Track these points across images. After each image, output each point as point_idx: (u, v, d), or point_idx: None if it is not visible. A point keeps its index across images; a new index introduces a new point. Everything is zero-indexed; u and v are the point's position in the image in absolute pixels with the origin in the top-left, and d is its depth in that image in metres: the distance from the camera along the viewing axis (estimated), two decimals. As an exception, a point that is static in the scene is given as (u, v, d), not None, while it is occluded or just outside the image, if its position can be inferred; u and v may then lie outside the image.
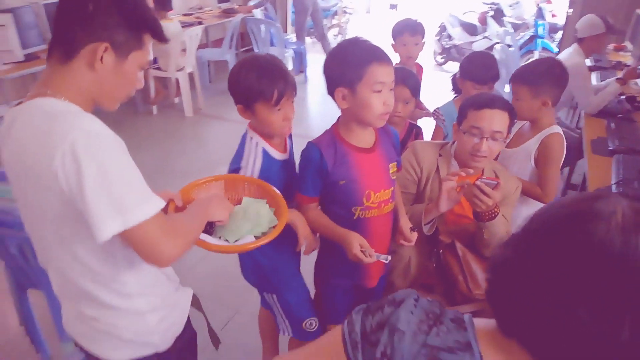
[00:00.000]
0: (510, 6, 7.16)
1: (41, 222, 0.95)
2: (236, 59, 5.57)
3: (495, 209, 1.47)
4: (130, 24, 0.93)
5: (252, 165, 1.38)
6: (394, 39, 2.48)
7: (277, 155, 1.45)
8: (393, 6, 12.50)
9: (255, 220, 1.23)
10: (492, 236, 1.53)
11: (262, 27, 5.48)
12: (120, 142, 0.90)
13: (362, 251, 1.34)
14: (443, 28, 7.25)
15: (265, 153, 1.42)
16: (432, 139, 2.25)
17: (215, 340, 1.34)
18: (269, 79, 1.31)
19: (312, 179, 1.42)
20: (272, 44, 5.61)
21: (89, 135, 0.84)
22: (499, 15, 6.71)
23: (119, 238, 0.88)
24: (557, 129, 1.85)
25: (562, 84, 1.87)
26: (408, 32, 2.43)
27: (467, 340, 0.64)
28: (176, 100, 5.13)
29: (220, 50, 5.55)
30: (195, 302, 1.23)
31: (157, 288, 1.08)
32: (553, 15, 7.25)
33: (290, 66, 6.22)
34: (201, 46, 5.16)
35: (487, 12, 6.82)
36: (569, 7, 4.72)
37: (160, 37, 0.99)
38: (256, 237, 1.20)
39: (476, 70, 2.11)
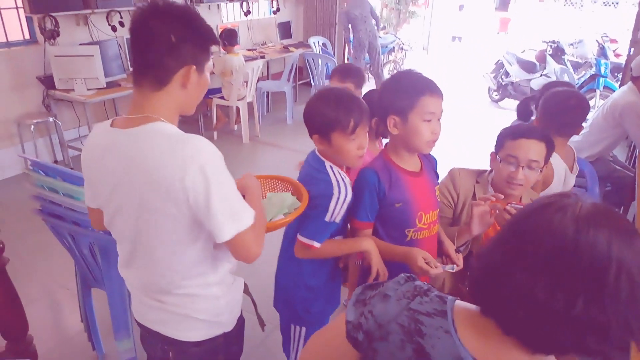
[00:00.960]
0: (572, 44, 7.03)
1: (149, 226, 1.07)
2: (293, 91, 5.87)
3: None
4: (202, 43, 1.08)
5: (344, 193, 1.41)
6: None
7: (347, 180, 1.49)
8: (461, 6, 13.07)
9: (280, 204, 1.42)
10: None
11: (320, 61, 5.75)
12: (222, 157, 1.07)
13: (426, 263, 1.38)
14: (500, 65, 7.22)
15: (347, 179, 1.46)
16: None
17: (261, 322, 1.48)
18: (345, 109, 1.37)
19: (370, 203, 1.45)
20: (327, 77, 5.86)
21: (213, 158, 1.03)
22: (558, 53, 6.60)
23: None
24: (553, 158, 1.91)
25: (578, 117, 1.96)
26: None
27: (444, 309, 0.75)
28: (235, 127, 5.46)
29: (279, 82, 5.87)
30: (246, 289, 1.40)
31: (227, 277, 1.25)
32: (617, 55, 7.03)
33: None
34: (261, 78, 5.48)
35: (545, 50, 6.73)
36: (630, 47, 4.60)
37: (217, 42, 1.16)
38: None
39: None
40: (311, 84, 6.05)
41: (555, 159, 1.94)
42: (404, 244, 1.49)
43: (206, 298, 1.19)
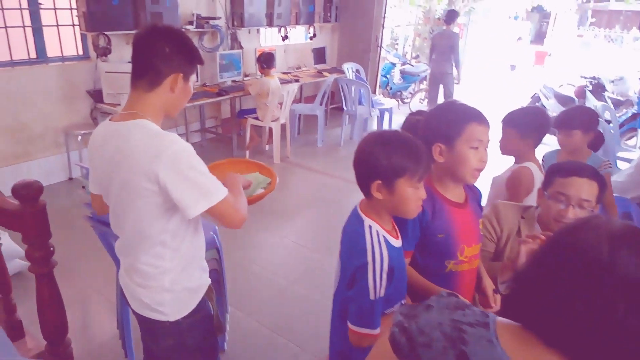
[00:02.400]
0: (612, 82, 6.92)
1: (126, 203, 1.28)
2: (325, 115, 5.95)
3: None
4: (190, 59, 1.32)
5: (379, 260, 1.26)
6: None
7: (394, 242, 1.34)
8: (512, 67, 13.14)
9: (255, 182, 1.68)
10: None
11: (353, 87, 5.83)
12: (194, 151, 1.26)
13: None
14: (536, 98, 7.16)
15: (387, 242, 1.31)
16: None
17: (220, 326, 1.57)
18: (416, 155, 1.27)
19: (412, 231, 1.42)
20: (359, 103, 5.93)
21: (184, 148, 1.23)
22: (598, 89, 6.51)
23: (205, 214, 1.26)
24: (530, 165, 2.06)
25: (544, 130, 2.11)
26: None
27: (486, 321, 0.79)
28: (267, 147, 5.56)
29: (312, 105, 5.97)
30: (209, 294, 1.49)
31: (182, 275, 1.38)
32: (659, 93, 6.87)
33: (375, 124, 6.49)
34: (294, 101, 5.59)
35: (585, 86, 6.65)
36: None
37: (201, 62, 1.38)
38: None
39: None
40: (343, 109, 6.14)
41: (535, 170, 2.06)
42: (442, 275, 1.47)
43: (153, 284, 1.34)
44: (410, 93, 8.85)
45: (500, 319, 0.81)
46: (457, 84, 6.71)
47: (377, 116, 6.14)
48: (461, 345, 0.77)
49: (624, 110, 6.25)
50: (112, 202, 1.35)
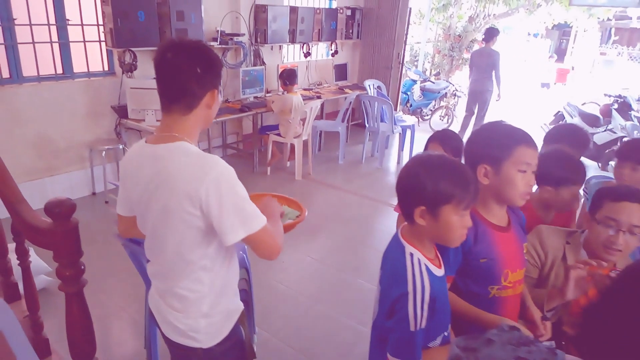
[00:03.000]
0: (638, 100, 6.77)
1: (166, 226, 1.23)
2: (347, 131, 5.93)
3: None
4: (218, 70, 1.28)
5: (420, 289, 1.20)
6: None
7: (436, 271, 1.28)
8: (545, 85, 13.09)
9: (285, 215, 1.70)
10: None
11: (376, 104, 5.80)
12: (235, 175, 1.23)
13: None
14: (560, 117, 7.03)
15: (429, 271, 1.25)
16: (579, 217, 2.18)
17: (252, 353, 1.49)
18: (464, 181, 1.22)
19: (454, 256, 1.38)
20: (381, 120, 5.89)
21: (227, 171, 1.19)
22: (625, 108, 6.36)
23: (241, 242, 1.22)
24: None
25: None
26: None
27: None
28: (288, 164, 5.53)
29: (333, 122, 5.95)
30: (242, 319, 1.44)
31: (221, 299, 1.36)
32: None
33: (396, 141, 6.43)
34: (316, 118, 5.58)
35: (611, 105, 6.51)
36: None
37: (222, 65, 1.34)
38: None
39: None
40: (364, 126, 6.11)
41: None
42: (485, 301, 1.41)
43: (191, 309, 1.30)
44: (431, 110, 8.80)
45: (569, 357, 0.76)
46: (497, 100, 6.64)
47: (400, 133, 6.08)
48: None
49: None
50: (149, 226, 1.30)
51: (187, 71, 1.20)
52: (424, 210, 1.22)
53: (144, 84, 4.19)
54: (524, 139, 1.35)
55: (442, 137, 2.16)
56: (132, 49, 4.21)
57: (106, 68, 4.44)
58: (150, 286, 1.43)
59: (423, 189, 1.21)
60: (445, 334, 1.32)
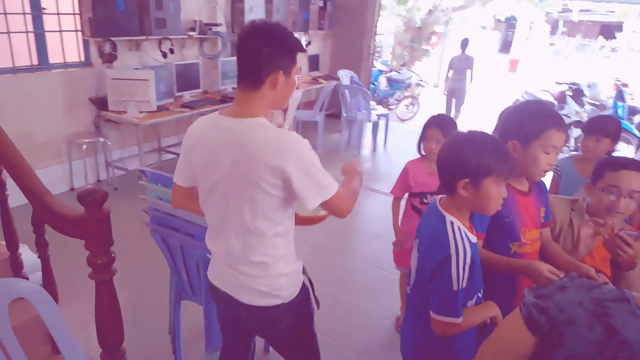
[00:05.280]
0: (589, 86, 7.30)
1: (246, 198, 1.31)
2: (324, 121, 6.04)
3: (635, 259, 1.57)
4: (290, 52, 1.34)
5: (462, 253, 1.31)
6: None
7: (472, 238, 1.39)
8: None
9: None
10: (628, 287, 1.62)
11: (354, 93, 5.93)
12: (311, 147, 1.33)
13: (552, 273, 1.41)
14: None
15: (468, 237, 1.36)
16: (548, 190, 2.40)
17: (317, 302, 1.63)
18: (504, 155, 1.34)
19: (479, 216, 1.49)
20: (359, 109, 6.03)
21: (306, 146, 1.30)
22: (578, 94, 6.86)
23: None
24: None
25: None
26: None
27: (625, 296, 0.87)
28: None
29: (312, 112, 6.03)
30: (304, 271, 1.58)
31: (291, 257, 1.49)
32: (632, 99, 7.29)
33: (369, 130, 6.62)
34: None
35: (565, 91, 6.99)
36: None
37: (303, 50, 1.40)
38: None
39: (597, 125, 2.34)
40: (339, 116, 6.23)
41: None
42: (507, 256, 1.56)
43: (271, 272, 1.41)
44: (397, 100, 9.04)
45: (636, 293, 0.89)
46: (468, 91, 7.66)
47: (374, 122, 6.26)
48: (607, 319, 0.84)
49: (599, 114, 6.59)
50: (218, 197, 1.37)
51: (255, 51, 1.29)
52: (467, 183, 1.33)
53: (125, 74, 4.11)
54: (556, 122, 1.47)
55: (440, 123, 2.29)
56: (112, 38, 4.11)
57: (83, 59, 4.30)
58: (216, 262, 1.49)
59: (467, 162, 1.32)
60: (479, 294, 1.46)
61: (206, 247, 1.81)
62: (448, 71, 7.58)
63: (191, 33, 4.88)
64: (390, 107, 8.89)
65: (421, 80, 9.42)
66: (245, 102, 1.34)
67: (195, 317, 2.37)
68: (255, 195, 1.30)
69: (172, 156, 5.03)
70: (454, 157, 1.35)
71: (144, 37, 4.41)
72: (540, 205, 1.65)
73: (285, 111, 5.48)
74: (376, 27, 7.23)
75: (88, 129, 4.33)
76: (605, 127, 2.32)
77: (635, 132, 6.00)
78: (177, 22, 4.64)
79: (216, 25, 5.16)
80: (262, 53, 1.29)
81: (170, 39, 4.70)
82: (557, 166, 2.43)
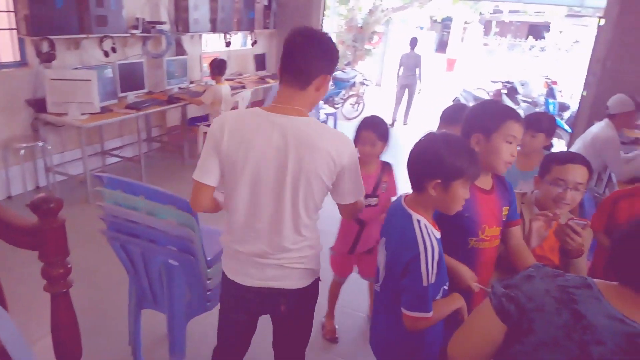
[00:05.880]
0: (522, 85, 7.79)
1: (299, 191, 1.41)
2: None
3: (582, 247, 1.72)
4: (334, 60, 1.47)
5: (430, 250, 1.38)
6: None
7: (437, 234, 1.46)
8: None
9: None
10: (577, 273, 1.77)
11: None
12: None
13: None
14: (457, 102, 7.82)
15: (434, 234, 1.43)
16: None
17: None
18: (475, 159, 1.42)
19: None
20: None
21: (354, 147, 1.49)
22: (512, 92, 7.31)
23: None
24: None
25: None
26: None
27: (588, 283, 0.94)
28: (218, 155, 5.47)
29: (261, 111, 5.99)
30: None
31: (318, 233, 1.61)
32: (561, 96, 7.87)
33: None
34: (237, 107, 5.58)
35: (501, 89, 7.42)
36: (584, 90, 5.23)
37: (338, 60, 1.52)
38: None
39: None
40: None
41: None
42: (465, 250, 1.64)
43: (308, 252, 1.54)
44: (342, 99, 9.16)
45: (597, 280, 0.97)
46: (419, 93, 8.11)
47: (323, 121, 6.33)
48: (573, 305, 0.92)
49: (533, 111, 7.08)
50: (265, 192, 1.42)
51: (308, 53, 1.38)
52: (438, 183, 1.38)
53: (65, 74, 3.89)
54: (513, 114, 1.60)
55: (372, 125, 2.26)
56: (50, 36, 3.86)
57: (18, 58, 4.00)
58: (135, 281, 1.48)
59: (441, 163, 1.37)
60: (445, 287, 1.53)
61: (169, 253, 1.78)
62: (399, 68, 7.94)
63: (134, 31, 4.68)
64: (336, 106, 8.98)
65: (365, 80, 9.60)
66: (289, 100, 1.41)
67: (155, 325, 2.31)
68: (314, 187, 1.41)
69: (117, 159, 4.78)
70: (429, 157, 1.41)
71: (84, 36, 4.18)
72: (503, 203, 1.73)
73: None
74: (322, 26, 7.30)
75: (26, 133, 4.05)
76: (540, 122, 2.50)
77: (566, 127, 6.48)
78: (119, 20, 4.44)
79: (160, 23, 4.99)
80: (317, 59, 1.39)
81: (112, 37, 4.49)
82: None
